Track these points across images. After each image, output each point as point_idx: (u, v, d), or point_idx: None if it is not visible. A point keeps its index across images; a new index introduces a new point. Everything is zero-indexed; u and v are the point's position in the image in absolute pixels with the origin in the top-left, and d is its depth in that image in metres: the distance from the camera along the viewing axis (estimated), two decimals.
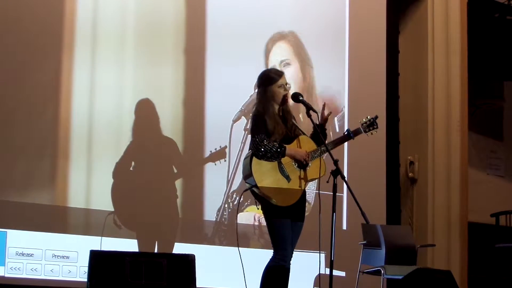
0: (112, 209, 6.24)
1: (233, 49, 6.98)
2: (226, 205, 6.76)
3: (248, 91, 6.90)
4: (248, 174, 4.96)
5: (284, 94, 5.09)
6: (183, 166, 6.67)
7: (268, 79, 5.12)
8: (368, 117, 5.34)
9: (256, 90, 5.20)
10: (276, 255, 4.96)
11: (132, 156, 6.39)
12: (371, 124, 5.31)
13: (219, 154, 6.72)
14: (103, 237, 6.15)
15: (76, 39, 6.31)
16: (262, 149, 4.89)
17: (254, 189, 4.95)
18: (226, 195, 6.78)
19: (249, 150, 5.05)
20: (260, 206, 5.02)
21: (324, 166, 5.06)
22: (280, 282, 4.95)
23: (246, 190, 5.07)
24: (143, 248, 6.27)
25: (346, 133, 5.27)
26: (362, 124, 5.32)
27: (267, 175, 4.94)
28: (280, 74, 5.16)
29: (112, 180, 6.27)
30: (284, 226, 4.96)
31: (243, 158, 5.17)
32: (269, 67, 7.01)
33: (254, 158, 4.93)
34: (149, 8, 6.67)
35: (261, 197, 4.97)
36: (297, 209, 5.05)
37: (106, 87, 6.38)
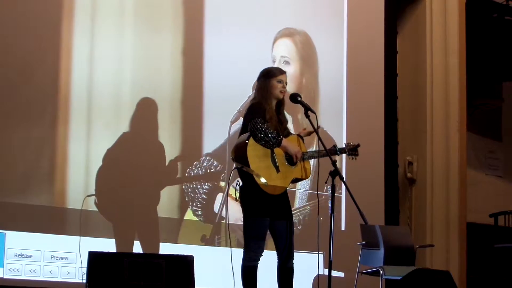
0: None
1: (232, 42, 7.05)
2: (224, 206, 6.76)
3: (246, 91, 6.92)
4: (242, 154, 4.96)
5: (281, 90, 5.13)
6: (169, 172, 6.65)
7: (269, 72, 5.22)
8: (351, 143, 5.48)
9: (256, 83, 5.23)
10: (246, 255, 4.99)
11: (121, 147, 6.40)
12: (353, 150, 5.46)
13: (214, 176, 6.76)
14: (102, 239, 6.16)
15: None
16: (262, 130, 4.91)
17: (244, 168, 4.96)
18: (224, 196, 6.78)
19: (240, 133, 5.08)
20: (239, 199, 5.03)
21: (309, 170, 5.15)
22: (254, 282, 4.98)
23: (235, 168, 5.08)
24: (120, 242, 6.29)
25: (333, 147, 5.34)
26: (346, 146, 5.46)
27: (259, 159, 4.97)
28: (281, 71, 5.24)
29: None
30: (260, 225, 4.98)
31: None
32: (272, 59, 7.18)
33: (251, 140, 4.95)
34: None
35: (246, 188, 4.97)
36: (281, 206, 5.06)
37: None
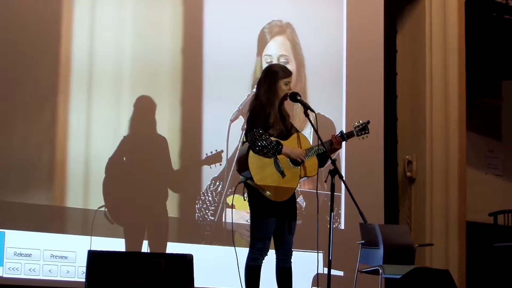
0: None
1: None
2: (223, 205, 6.76)
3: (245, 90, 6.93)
4: (244, 167, 4.96)
5: (287, 92, 5.10)
6: (176, 165, 6.66)
7: (276, 73, 5.11)
8: (360, 121, 5.36)
9: (260, 81, 5.17)
10: (250, 254, 4.99)
11: (124, 152, 6.40)
12: (363, 129, 5.34)
13: (215, 158, 6.72)
14: (101, 237, 6.15)
15: None
16: (260, 144, 4.88)
17: (249, 181, 4.95)
18: (224, 195, 6.78)
19: (242, 141, 5.05)
20: (247, 199, 5.02)
21: (314, 166, 5.10)
22: (257, 281, 4.98)
23: (240, 182, 5.07)
24: (130, 245, 6.28)
25: (339, 134, 5.27)
26: (355, 128, 5.34)
27: (263, 169, 4.94)
28: (288, 73, 5.14)
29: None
30: (266, 225, 4.97)
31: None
32: (266, 58, 7.19)
33: (251, 151, 4.93)
34: None
35: (253, 192, 4.97)
36: (287, 207, 5.05)
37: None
